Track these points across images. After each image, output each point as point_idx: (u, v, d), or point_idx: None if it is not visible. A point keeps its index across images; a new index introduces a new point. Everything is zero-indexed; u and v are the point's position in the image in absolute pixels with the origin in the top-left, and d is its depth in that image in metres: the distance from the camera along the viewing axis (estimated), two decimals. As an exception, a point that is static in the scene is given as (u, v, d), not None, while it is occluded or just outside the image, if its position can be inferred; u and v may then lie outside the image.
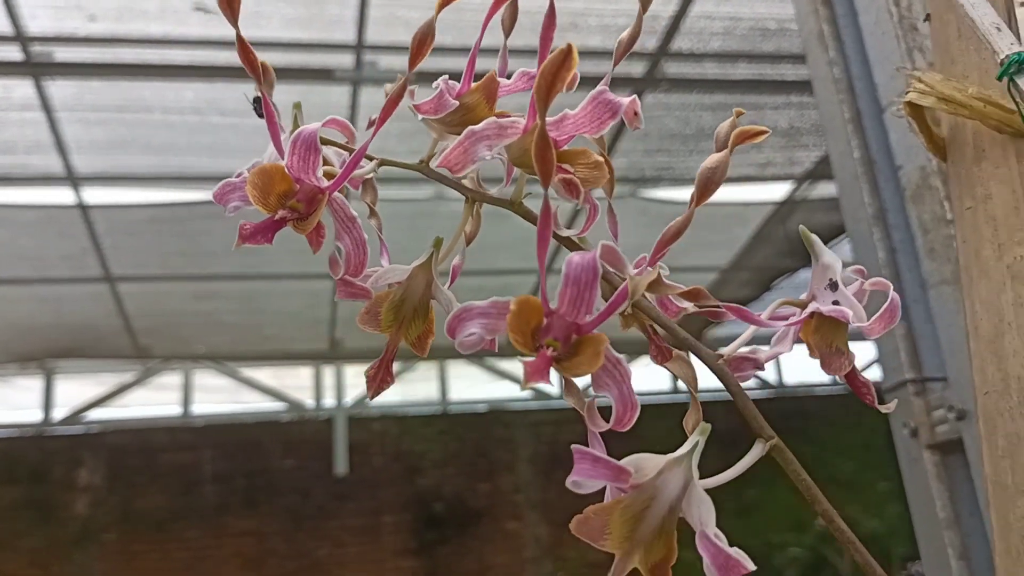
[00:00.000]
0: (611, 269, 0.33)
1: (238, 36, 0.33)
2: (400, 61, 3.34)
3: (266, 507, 5.72)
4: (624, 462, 0.28)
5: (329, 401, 6.17)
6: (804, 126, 4.05)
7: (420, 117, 0.34)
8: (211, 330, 5.62)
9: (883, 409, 0.35)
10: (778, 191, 4.57)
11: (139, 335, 5.48)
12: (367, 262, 0.35)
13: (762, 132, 0.30)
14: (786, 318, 0.35)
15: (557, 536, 5.66)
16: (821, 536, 5.88)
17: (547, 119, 0.27)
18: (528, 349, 0.28)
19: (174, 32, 3.12)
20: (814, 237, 0.35)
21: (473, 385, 6.25)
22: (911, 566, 5.39)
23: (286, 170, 0.31)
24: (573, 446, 0.27)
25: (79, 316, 5.17)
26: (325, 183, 0.32)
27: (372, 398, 0.36)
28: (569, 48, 0.28)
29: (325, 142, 0.36)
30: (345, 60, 3.33)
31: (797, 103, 3.86)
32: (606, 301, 0.30)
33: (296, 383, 6.24)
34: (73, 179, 3.80)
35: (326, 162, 0.35)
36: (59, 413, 5.88)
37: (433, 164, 0.34)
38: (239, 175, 0.36)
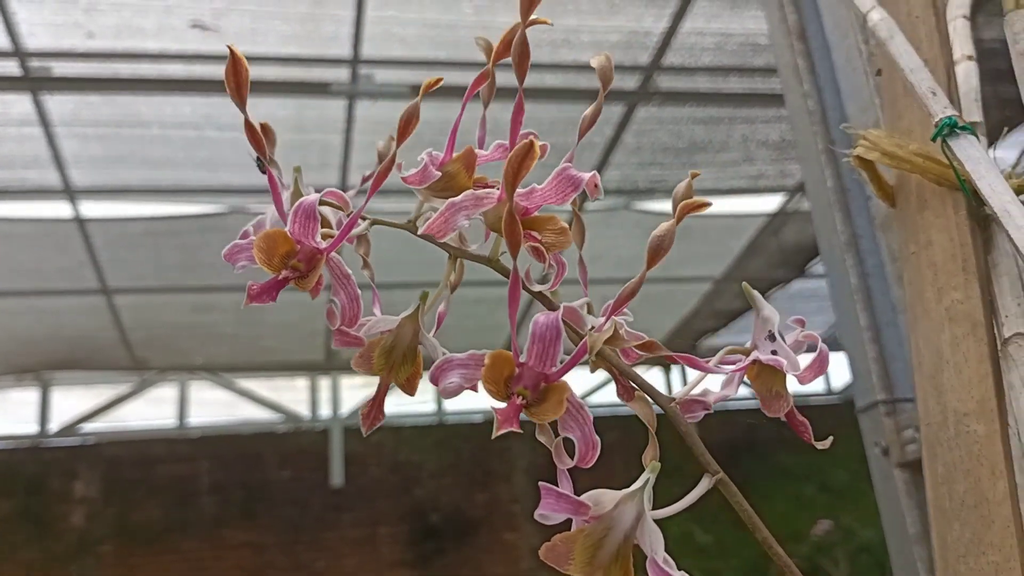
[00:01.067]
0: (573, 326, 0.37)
1: (246, 121, 0.36)
2: (395, 75, 3.38)
3: (263, 519, 5.73)
4: (584, 497, 0.32)
5: (325, 412, 6.19)
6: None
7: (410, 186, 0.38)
8: (208, 342, 5.65)
9: (819, 445, 0.39)
10: (770, 203, 4.61)
11: (136, 347, 5.50)
12: (360, 314, 0.39)
13: (705, 204, 0.34)
14: (733, 363, 0.39)
15: (553, 546, 5.66)
16: (817, 547, 5.88)
17: (518, 191, 0.31)
18: (501, 397, 0.32)
19: (171, 48, 3.16)
20: (755, 293, 0.39)
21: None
22: None
23: (288, 234, 0.35)
24: (540, 483, 0.30)
25: (76, 328, 5.19)
26: (323, 244, 0.36)
27: (367, 434, 0.40)
28: (531, 144, 0.31)
29: (322, 203, 0.39)
30: (341, 74, 3.37)
31: (788, 116, 3.90)
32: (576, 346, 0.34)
33: (292, 394, 6.26)
34: (70, 193, 3.83)
35: (323, 222, 0.39)
36: (55, 425, 5.89)
37: (420, 230, 0.38)
38: (244, 235, 0.40)
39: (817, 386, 6.79)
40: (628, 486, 0.34)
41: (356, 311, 0.38)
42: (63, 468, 5.66)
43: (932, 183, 0.51)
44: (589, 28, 3.30)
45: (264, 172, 0.38)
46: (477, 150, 0.40)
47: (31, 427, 5.87)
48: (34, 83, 3.24)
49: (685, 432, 0.35)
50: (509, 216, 0.32)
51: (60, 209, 3.96)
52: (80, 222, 4.05)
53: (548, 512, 0.31)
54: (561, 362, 0.34)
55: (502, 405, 0.32)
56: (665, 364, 6.57)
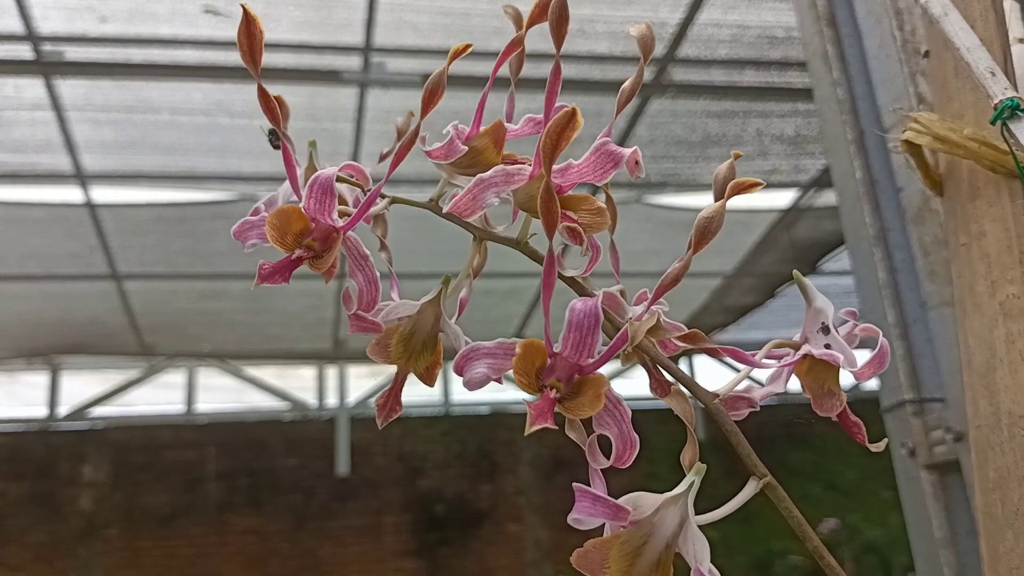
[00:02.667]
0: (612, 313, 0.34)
1: (260, 88, 0.34)
2: (407, 64, 3.35)
3: (269, 506, 5.74)
4: (622, 500, 0.29)
5: (332, 401, 6.18)
6: (810, 134, 4.05)
7: (432, 161, 0.35)
8: (216, 329, 5.65)
9: (874, 448, 0.36)
10: (783, 198, 4.57)
11: (145, 333, 5.50)
12: (379, 298, 0.36)
13: (756, 184, 0.31)
14: (780, 358, 0.36)
15: (558, 539, 5.66)
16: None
17: (552, 168, 0.28)
18: (532, 390, 0.29)
19: (183, 33, 3.14)
20: (807, 282, 0.36)
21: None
22: None
23: (303, 211, 0.33)
24: (575, 485, 0.28)
25: (86, 313, 5.20)
26: (340, 223, 0.34)
27: (382, 426, 0.37)
28: (573, 112, 0.29)
29: (338, 180, 0.37)
30: (353, 62, 3.35)
31: (804, 111, 3.86)
32: (610, 339, 0.31)
33: (299, 383, 6.26)
34: (82, 178, 3.82)
35: (339, 199, 0.37)
36: (65, 409, 5.90)
37: (444, 208, 0.35)
38: (255, 212, 0.37)
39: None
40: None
41: (374, 295, 0.36)
42: (72, 452, 5.68)
43: (986, 170, 0.48)
44: (604, 18, 3.27)
45: (277, 147, 0.36)
46: (507, 124, 0.37)
47: (40, 410, 5.89)
48: (47, 67, 3.23)
49: (730, 432, 0.32)
50: (546, 193, 0.29)
51: (71, 194, 3.95)
52: (91, 207, 4.04)
53: (584, 516, 0.28)
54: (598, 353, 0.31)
55: (533, 398, 0.30)
56: (687, 355, 6.54)
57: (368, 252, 0.35)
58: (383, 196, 0.37)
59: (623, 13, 3.27)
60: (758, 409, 0.35)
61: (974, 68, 0.46)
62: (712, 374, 6.03)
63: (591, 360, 0.31)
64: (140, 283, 4.86)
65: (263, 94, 0.33)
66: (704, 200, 4.47)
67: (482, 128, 0.37)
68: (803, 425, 6.04)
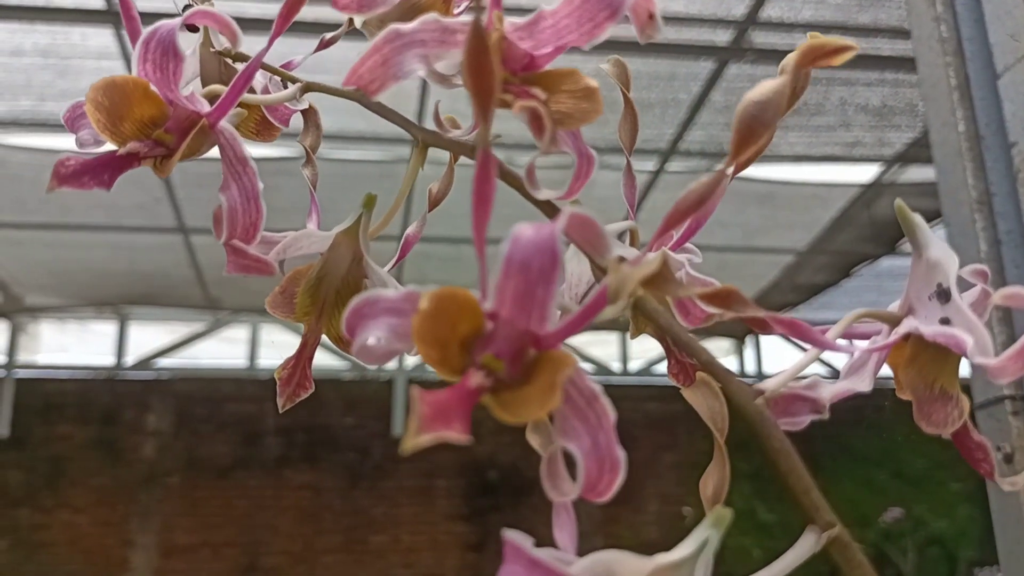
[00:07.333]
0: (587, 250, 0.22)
1: None
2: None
3: (324, 463, 5.82)
4: (585, 565, 0.18)
5: (391, 362, 6.21)
6: (898, 105, 3.81)
7: (357, 23, 0.25)
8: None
9: (1007, 486, 0.24)
10: (865, 173, 4.35)
11: (210, 286, 5.58)
12: (261, 222, 0.26)
13: (846, 47, 0.20)
14: (867, 338, 0.23)
15: (610, 512, 5.59)
16: (885, 534, 5.70)
17: (516, 21, 0.18)
18: (454, 372, 0.18)
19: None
20: (916, 219, 0.22)
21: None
22: (978, 572, 5.15)
23: (151, 87, 0.22)
24: (506, 533, 0.17)
25: (152, 264, 5.29)
26: (206, 107, 0.23)
27: (283, 408, 0.28)
28: None
29: (240, 58, 0.28)
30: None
31: (892, 80, 3.63)
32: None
33: (359, 343, 6.29)
34: (148, 129, 3.85)
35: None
36: (131, 358, 6.06)
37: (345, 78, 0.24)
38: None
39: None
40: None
41: (254, 217, 0.25)
42: (137, 401, 5.83)
43: None
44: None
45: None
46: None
47: (108, 359, 6.05)
48: (116, 17, 3.23)
49: (778, 451, 0.20)
50: (475, 35, 0.16)
51: (137, 145, 3.98)
52: (156, 159, 4.07)
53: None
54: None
55: (453, 383, 0.18)
56: (739, 337, 6.34)
57: (248, 155, 0.25)
58: (292, 80, 0.27)
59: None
60: (826, 416, 0.23)
61: None
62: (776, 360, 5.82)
63: (549, 327, 0.19)
64: (206, 237, 4.91)
65: None
66: (780, 171, 4.27)
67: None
68: (873, 409, 5.81)
